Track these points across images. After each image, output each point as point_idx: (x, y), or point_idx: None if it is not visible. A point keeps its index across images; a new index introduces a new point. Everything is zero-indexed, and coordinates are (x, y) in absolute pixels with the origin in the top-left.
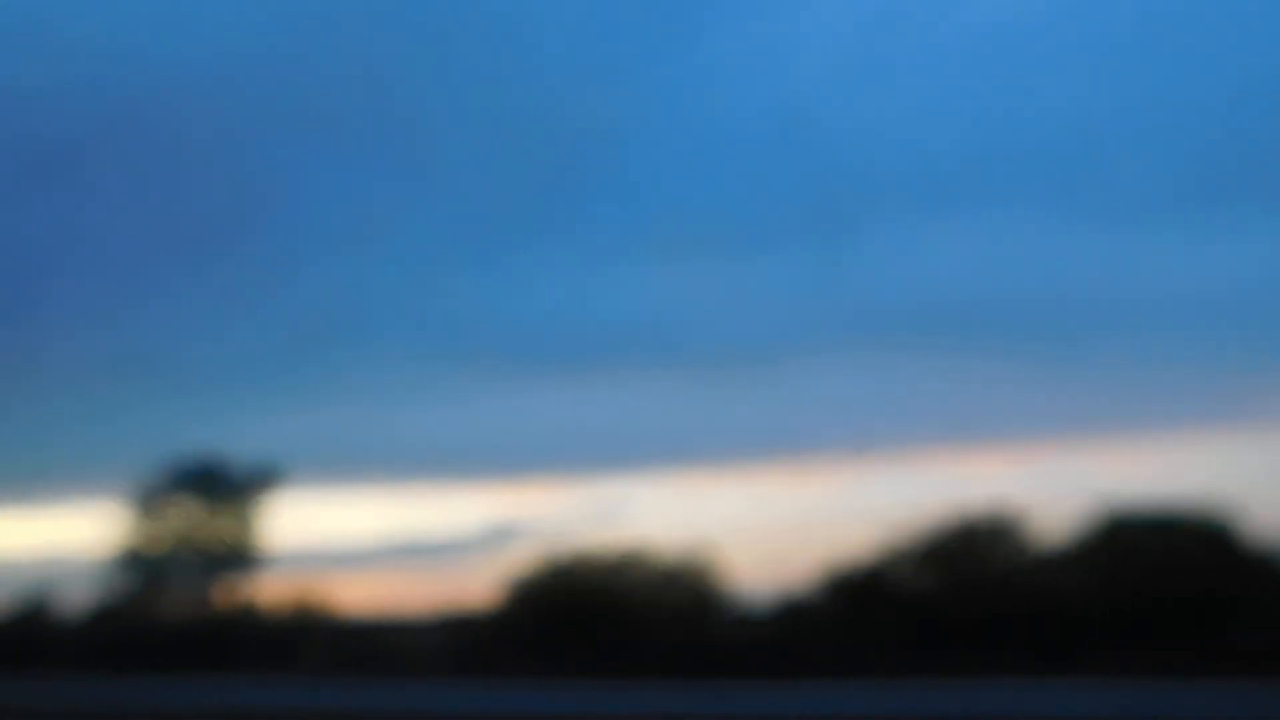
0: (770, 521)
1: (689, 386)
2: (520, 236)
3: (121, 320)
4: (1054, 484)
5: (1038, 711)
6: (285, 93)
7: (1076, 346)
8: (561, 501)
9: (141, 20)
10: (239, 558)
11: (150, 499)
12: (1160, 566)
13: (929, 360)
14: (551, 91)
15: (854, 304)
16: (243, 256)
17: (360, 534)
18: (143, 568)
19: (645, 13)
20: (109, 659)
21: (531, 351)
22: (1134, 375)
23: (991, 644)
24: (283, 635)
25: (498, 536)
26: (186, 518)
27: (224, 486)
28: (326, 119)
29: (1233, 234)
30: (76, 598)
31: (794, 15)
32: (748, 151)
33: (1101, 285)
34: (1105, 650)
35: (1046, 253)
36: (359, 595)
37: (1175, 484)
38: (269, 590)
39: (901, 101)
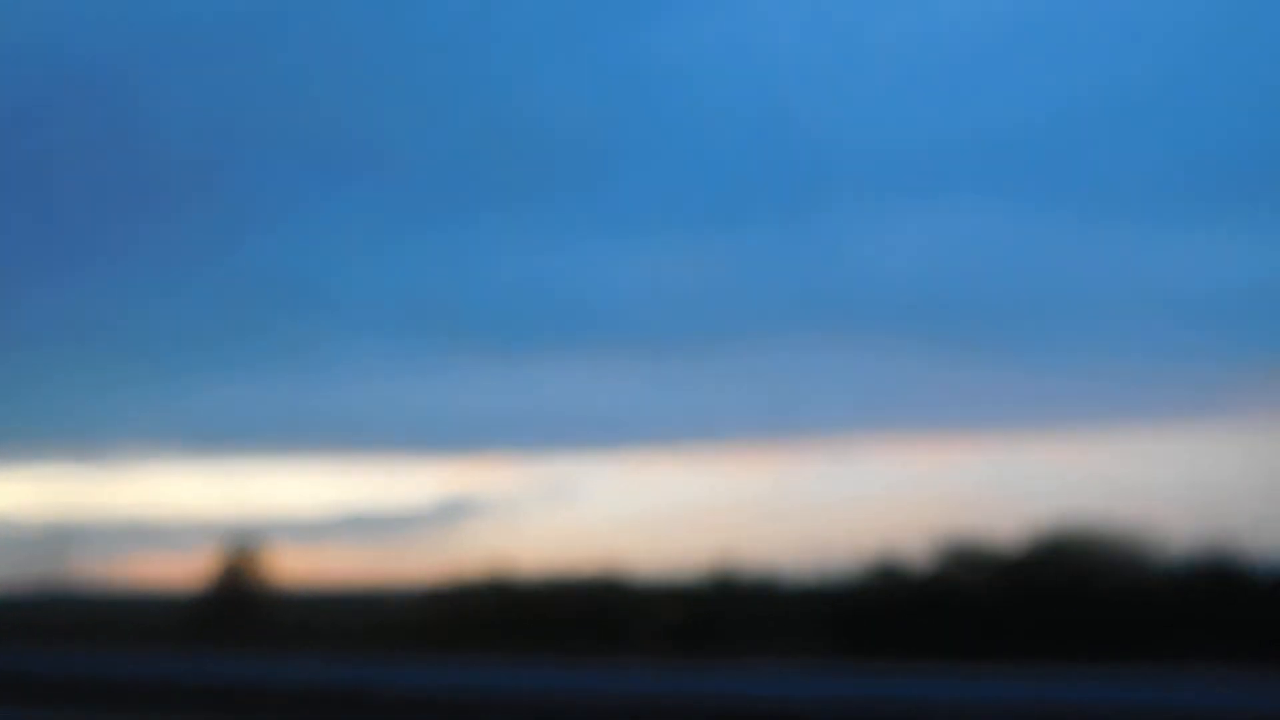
0: (720, 503)
1: (643, 367)
2: (477, 212)
3: (68, 286)
4: (1009, 476)
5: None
6: (236, 61)
7: (1039, 338)
8: (514, 478)
9: None
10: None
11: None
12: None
13: (887, 348)
14: (512, 68)
15: (817, 290)
16: (193, 223)
17: (310, 507)
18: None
19: None
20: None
21: (487, 328)
22: (1099, 368)
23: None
24: (218, 607)
25: (450, 511)
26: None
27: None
28: (278, 88)
29: (1205, 231)
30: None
31: (766, 2)
32: (717, 135)
33: (1069, 279)
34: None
35: (1015, 245)
36: (307, 568)
37: (1140, 476)
38: (208, 562)
39: (873, 90)
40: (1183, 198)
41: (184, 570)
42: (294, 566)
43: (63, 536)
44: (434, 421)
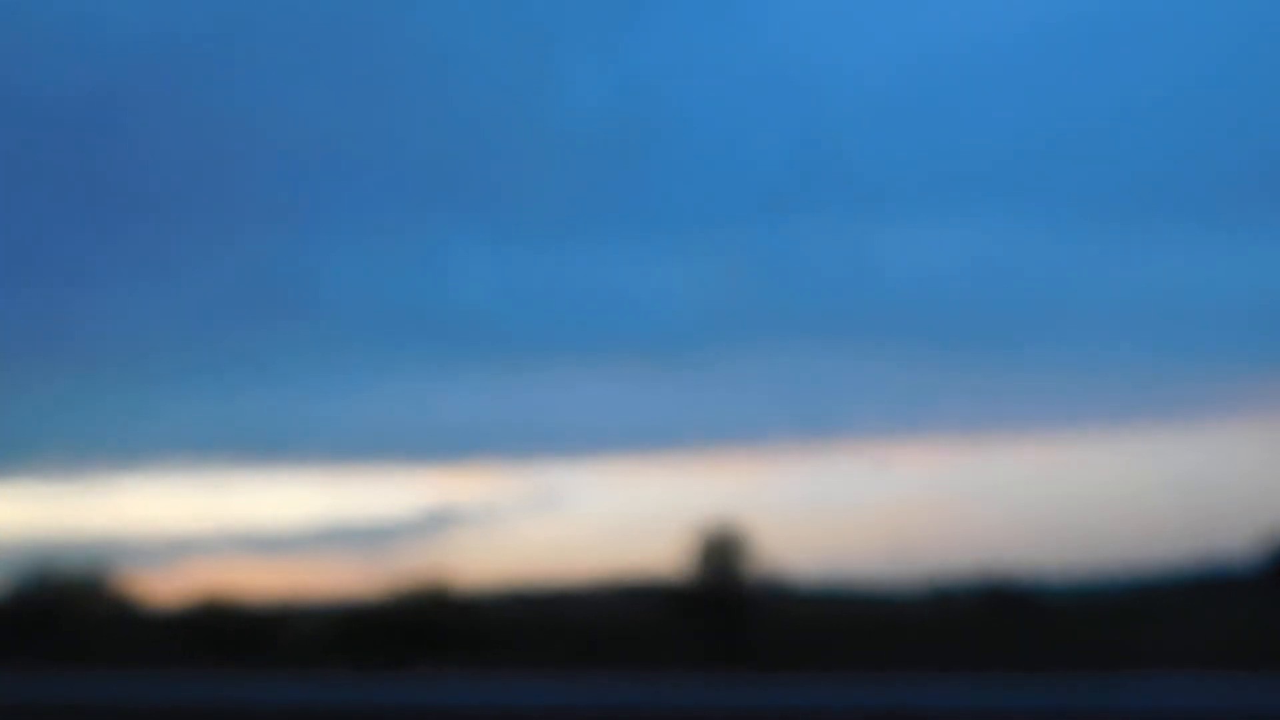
0: (703, 510)
1: (627, 374)
2: (461, 217)
3: (35, 295)
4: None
5: None
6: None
7: (1010, 346)
8: (500, 486)
9: None
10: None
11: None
12: None
13: (876, 354)
14: (478, 71)
15: (805, 296)
16: (173, 231)
17: (289, 518)
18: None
19: None
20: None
21: (469, 336)
22: (1066, 376)
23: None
24: (189, 624)
25: (433, 521)
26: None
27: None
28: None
29: (1165, 244)
30: None
31: (742, 7)
32: (705, 140)
33: (1039, 289)
34: None
35: (985, 255)
36: (284, 580)
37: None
38: (181, 578)
39: (847, 101)
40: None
41: (164, 587)
42: (270, 580)
43: (46, 553)
44: (418, 430)
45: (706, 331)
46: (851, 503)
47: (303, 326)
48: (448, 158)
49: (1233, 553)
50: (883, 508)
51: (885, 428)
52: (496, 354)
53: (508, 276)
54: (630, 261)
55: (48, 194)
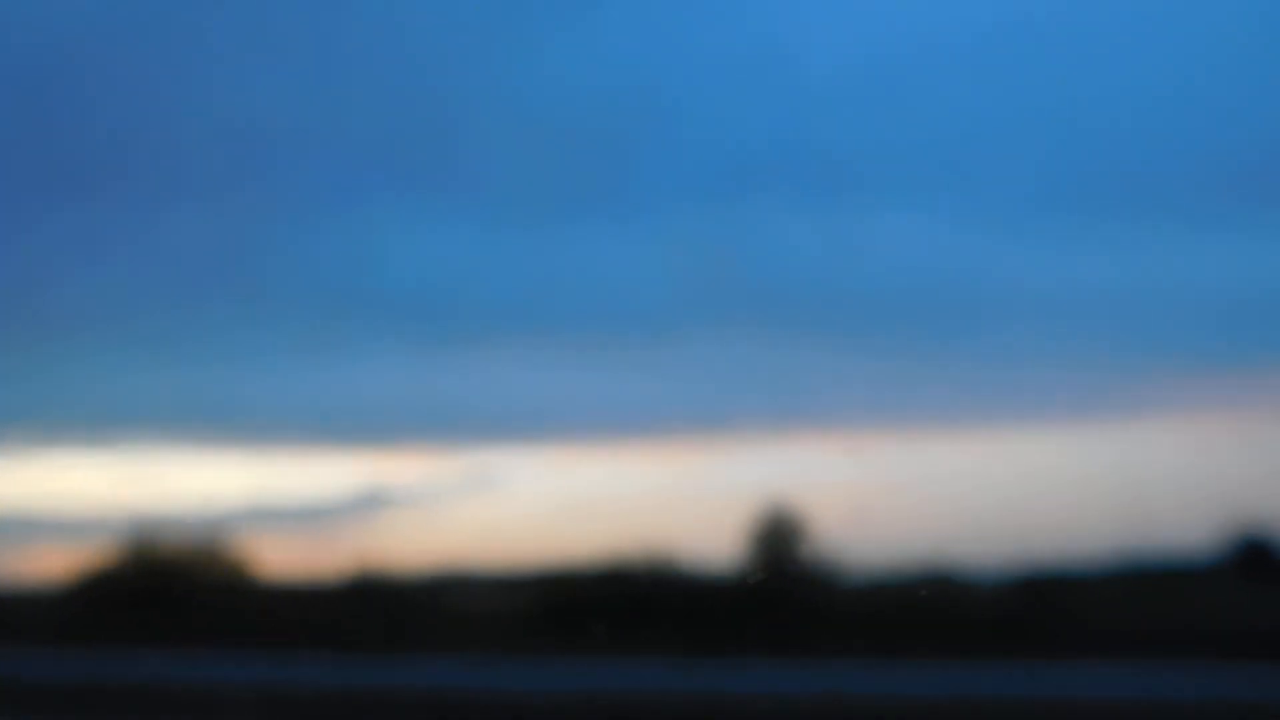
0: (641, 497)
1: (565, 358)
2: (397, 196)
3: None
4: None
5: None
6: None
7: (937, 340)
8: (434, 469)
9: None
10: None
11: None
12: None
13: (813, 344)
14: (424, 47)
15: (744, 284)
16: (106, 205)
17: (219, 497)
18: None
19: None
20: None
21: (404, 314)
22: (989, 371)
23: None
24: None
25: (366, 502)
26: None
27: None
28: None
29: (1090, 241)
30: None
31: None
32: (641, 124)
33: (964, 284)
34: None
35: (920, 249)
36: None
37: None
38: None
39: (788, 90)
40: (1093, 212)
41: (74, 563)
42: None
43: None
44: (352, 410)
45: (664, 316)
46: (805, 489)
47: (237, 304)
48: (399, 134)
49: (1192, 545)
50: (837, 495)
51: (846, 416)
52: (445, 335)
53: (464, 256)
54: (589, 242)
55: None
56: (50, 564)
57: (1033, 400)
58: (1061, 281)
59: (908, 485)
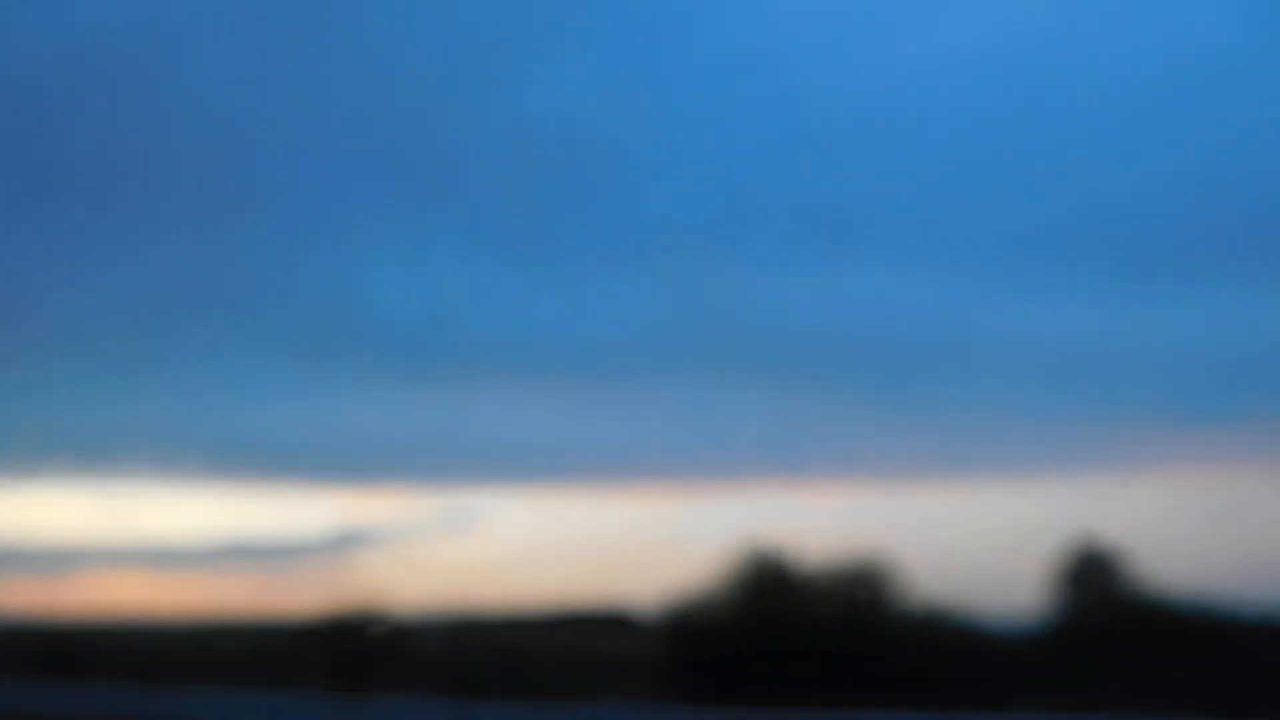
0: (617, 539)
1: (548, 399)
2: (382, 234)
3: None
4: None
5: None
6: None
7: (914, 390)
8: (411, 509)
9: None
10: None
11: None
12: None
13: (793, 392)
14: (417, 89)
15: (726, 330)
16: (88, 232)
17: (195, 532)
18: None
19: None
20: None
21: (390, 350)
22: (969, 420)
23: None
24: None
25: (343, 541)
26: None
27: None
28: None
29: (1065, 293)
30: None
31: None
32: (626, 172)
33: (942, 335)
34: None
35: (898, 301)
36: (184, 597)
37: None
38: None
39: (779, 141)
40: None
41: (52, 597)
42: (169, 596)
43: None
44: (334, 446)
45: (648, 359)
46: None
47: (227, 336)
48: (388, 173)
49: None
50: (823, 540)
51: (795, 465)
52: (422, 374)
53: (451, 294)
54: (576, 284)
55: None
56: (22, 597)
57: (1012, 451)
58: (1044, 335)
59: (883, 534)
